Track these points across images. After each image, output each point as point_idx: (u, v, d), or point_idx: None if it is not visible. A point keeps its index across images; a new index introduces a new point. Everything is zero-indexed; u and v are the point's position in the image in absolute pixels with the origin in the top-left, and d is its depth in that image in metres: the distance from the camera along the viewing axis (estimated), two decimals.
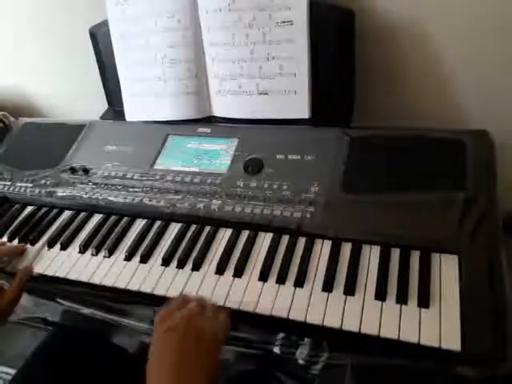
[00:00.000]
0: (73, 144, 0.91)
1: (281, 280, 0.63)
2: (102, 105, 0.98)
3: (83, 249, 0.75)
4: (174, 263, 0.69)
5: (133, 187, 0.80)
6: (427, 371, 0.56)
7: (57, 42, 1.07)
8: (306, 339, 0.60)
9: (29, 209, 0.86)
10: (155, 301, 0.65)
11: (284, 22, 0.75)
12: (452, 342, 0.53)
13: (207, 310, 0.57)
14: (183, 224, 0.75)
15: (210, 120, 0.87)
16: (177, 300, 0.59)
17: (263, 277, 0.64)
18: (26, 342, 1.27)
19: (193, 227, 0.74)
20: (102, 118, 0.97)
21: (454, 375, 0.53)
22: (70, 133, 0.93)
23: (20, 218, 0.84)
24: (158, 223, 0.77)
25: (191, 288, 0.65)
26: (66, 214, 0.83)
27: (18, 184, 0.88)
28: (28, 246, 0.78)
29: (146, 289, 0.67)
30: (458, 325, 0.54)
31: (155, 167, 0.82)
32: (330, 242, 0.67)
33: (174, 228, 0.75)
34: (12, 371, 1.25)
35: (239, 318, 0.61)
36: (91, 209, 0.82)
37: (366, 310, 0.58)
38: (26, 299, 0.78)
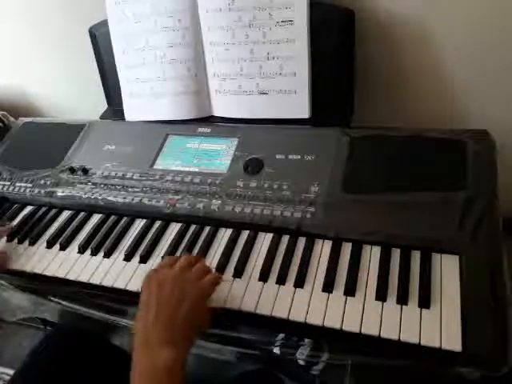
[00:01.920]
0: (72, 144, 0.91)
1: (281, 280, 0.63)
2: (102, 105, 0.98)
3: (82, 249, 0.74)
4: None
5: (132, 187, 0.80)
6: (428, 372, 0.56)
7: (57, 42, 1.07)
8: (307, 340, 0.60)
9: (28, 209, 0.86)
10: None
11: (284, 21, 0.75)
12: (453, 342, 0.53)
13: (195, 269, 0.59)
14: (183, 224, 0.75)
15: (209, 120, 0.87)
16: (166, 261, 0.62)
17: (263, 277, 0.64)
18: (24, 342, 1.27)
19: (192, 227, 0.74)
20: (102, 117, 0.97)
21: (455, 376, 0.53)
22: (70, 133, 0.93)
23: (19, 218, 0.84)
24: (157, 223, 0.76)
25: None
26: (66, 214, 0.83)
27: (18, 184, 0.87)
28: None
29: None
30: (458, 325, 0.54)
31: (155, 167, 0.82)
32: (330, 242, 0.67)
33: (174, 228, 0.75)
34: (10, 371, 1.24)
35: (239, 318, 0.61)
36: (90, 209, 0.81)
37: (366, 311, 0.58)
38: (24, 299, 0.78)
